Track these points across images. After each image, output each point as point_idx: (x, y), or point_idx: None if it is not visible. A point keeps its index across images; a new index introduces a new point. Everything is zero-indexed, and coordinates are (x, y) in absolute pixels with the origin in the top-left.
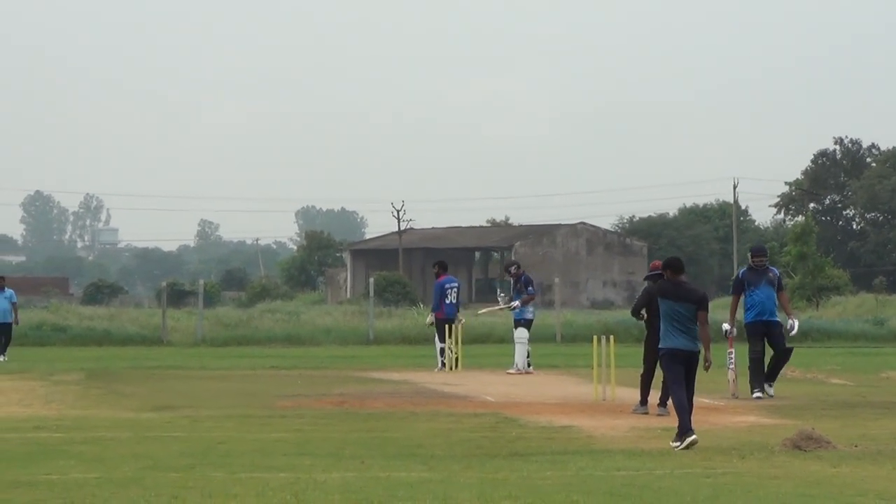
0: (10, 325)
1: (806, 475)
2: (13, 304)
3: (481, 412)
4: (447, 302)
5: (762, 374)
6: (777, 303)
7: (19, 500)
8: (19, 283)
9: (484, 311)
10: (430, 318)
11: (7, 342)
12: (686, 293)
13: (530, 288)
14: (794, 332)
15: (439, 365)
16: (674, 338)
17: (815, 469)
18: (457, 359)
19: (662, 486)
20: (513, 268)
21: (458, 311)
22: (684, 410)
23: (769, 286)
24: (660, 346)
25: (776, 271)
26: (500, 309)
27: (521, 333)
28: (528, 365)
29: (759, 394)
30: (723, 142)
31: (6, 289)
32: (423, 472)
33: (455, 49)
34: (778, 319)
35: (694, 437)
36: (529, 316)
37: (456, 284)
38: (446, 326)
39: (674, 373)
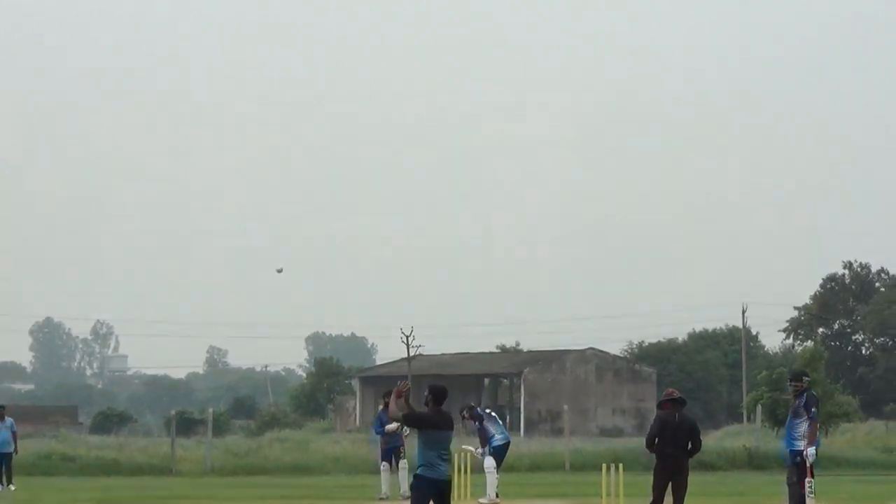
0: (10, 454)
1: None
2: (14, 432)
3: None
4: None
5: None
6: (797, 430)
7: None
8: (28, 412)
9: (464, 448)
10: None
11: (9, 471)
12: (450, 421)
13: (475, 423)
14: (808, 460)
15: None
16: (439, 467)
17: None
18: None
19: None
20: (465, 412)
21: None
22: None
23: (792, 413)
24: (420, 474)
25: (803, 399)
26: (473, 451)
27: (489, 462)
28: (497, 494)
29: None
30: (732, 266)
31: (6, 418)
32: None
33: (463, 177)
34: (794, 448)
35: None
36: (498, 443)
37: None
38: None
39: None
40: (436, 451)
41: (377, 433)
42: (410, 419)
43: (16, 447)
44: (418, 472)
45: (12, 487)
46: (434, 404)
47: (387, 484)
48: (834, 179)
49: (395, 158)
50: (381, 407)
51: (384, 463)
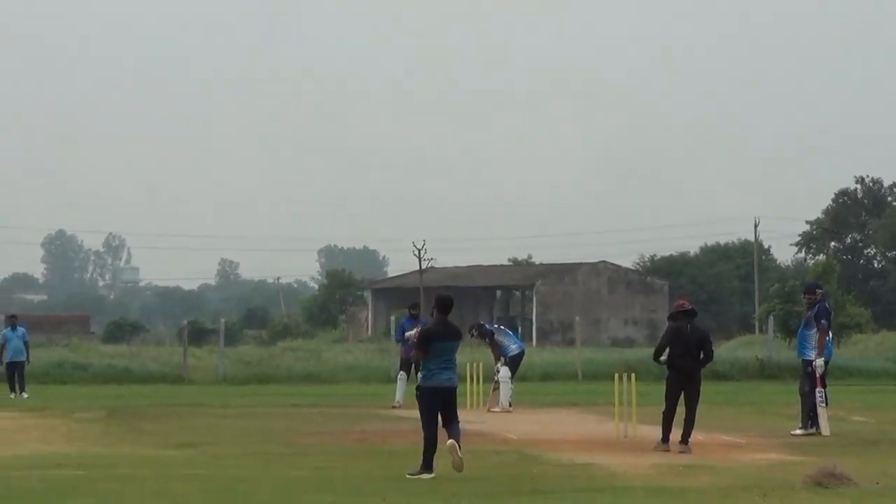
0: (23, 362)
1: None
2: (26, 342)
3: (502, 450)
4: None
5: (804, 412)
6: (810, 340)
7: None
8: (40, 322)
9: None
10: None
11: (21, 380)
12: (455, 331)
13: (486, 339)
14: (818, 371)
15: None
16: (438, 375)
17: None
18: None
19: None
20: (473, 330)
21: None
22: (432, 446)
23: (804, 323)
24: (419, 384)
25: (815, 309)
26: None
27: (504, 372)
28: (510, 403)
29: (799, 430)
30: (744, 181)
31: (18, 327)
32: None
33: (477, 89)
34: (807, 357)
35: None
36: (513, 353)
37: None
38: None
39: (433, 411)
40: (438, 361)
41: (397, 340)
42: (421, 346)
43: (28, 356)
44: (418, 383)
45: (25, 395)
46: (439, 314)
47: (401, 393)
48: (847, 94)
49: (408, 69)
50: (404, 316)
51: (402, 372)
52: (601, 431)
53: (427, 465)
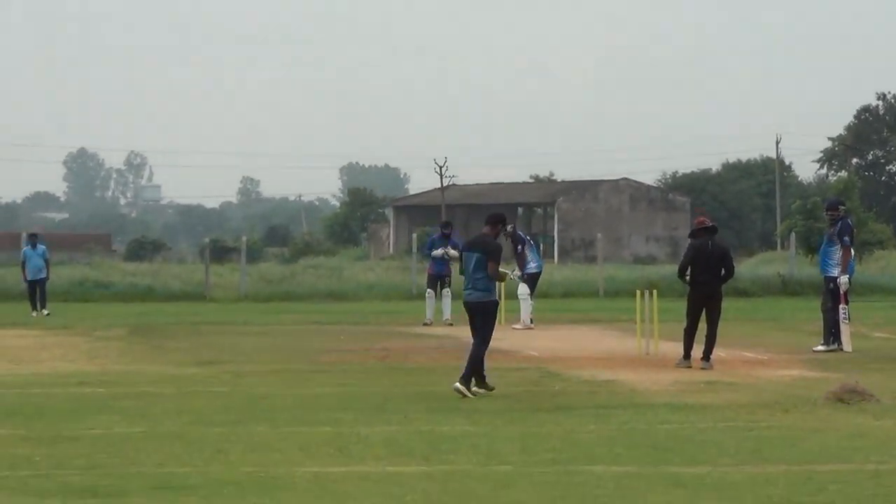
0: (44, 280)
1: (849, 428)
2: (46, 259)
3: (524, 366)
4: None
5: (826, 328)
6: (833, 257)
7: (63, 454)
8: (62, 240)
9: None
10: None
11: (43, 297)
12: (475, 242)
13: (519, 247)
14: (842, 288)
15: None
16: (465, 290)
17: (858, 422)
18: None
19: (706, 440)
20: (509, 227)
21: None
22: (477, 363)
23: (826, 240)
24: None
25: (838, 226)
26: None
27: (523, 289)
28: (531, 320)
29: (821, 347)
30: (766, 97)
31: (38, 245)
32: (466, 426)
33: (498, 5)
34: (829, 274)
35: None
36: (532, 270)
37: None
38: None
39: (470, 324)
40: (466, 275)
41: (424, 254)
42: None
43: (48, 273)
44: None
45: (45, 312)
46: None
47: (431, 310)
48: (870, 10)
49: None
50: (435, 234)
51: (429, 290)
52: (623, 348)
53: (476, 379)
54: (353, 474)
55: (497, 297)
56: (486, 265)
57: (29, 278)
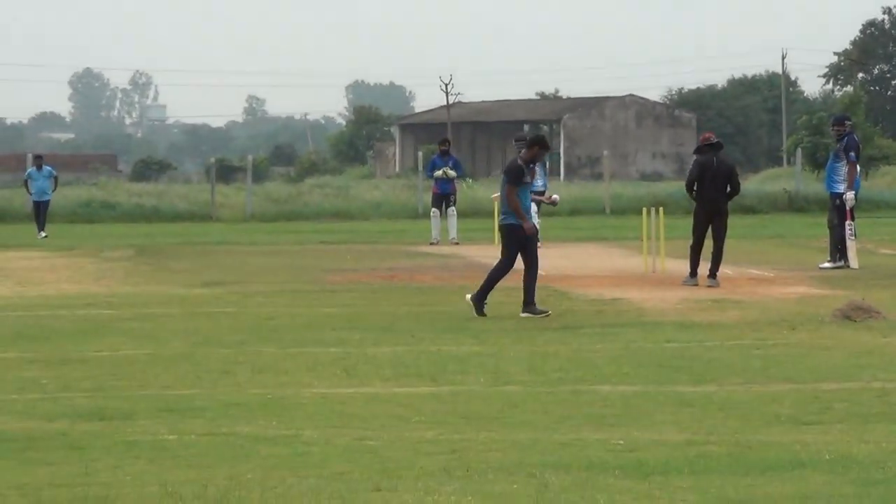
0: (47, 202)
1: (856, 345)
2: (55, 177)
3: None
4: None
5: (833, 245)
6: (839, 173)
7: (70, 376)
8: (67, 161)
9: (495, 195)
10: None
11: (42, 219)
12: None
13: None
14: (847, 204)
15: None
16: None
17: (865, 339)
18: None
19: (713, 358)
20: (519, 143)
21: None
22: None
23: (833, 156)
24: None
25: (844, 141)
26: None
27: (531, 209)
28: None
29: (827, 264)
30: (771, 12)
31: (44, 167)
32: (473, 346)
33: None
34: (835, 190)
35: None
36: (538, 188)
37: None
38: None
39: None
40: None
41: (427, 176)
42: None
43: (55, 187)
44: None
45: (43, 235)
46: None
47: (437, 230)
48: None
49: None
50: (434, 155)
51: (434, 209)
52: (629, 266)
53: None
54: (360, 395)
55: (510, 221)
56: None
57: (34, 199)
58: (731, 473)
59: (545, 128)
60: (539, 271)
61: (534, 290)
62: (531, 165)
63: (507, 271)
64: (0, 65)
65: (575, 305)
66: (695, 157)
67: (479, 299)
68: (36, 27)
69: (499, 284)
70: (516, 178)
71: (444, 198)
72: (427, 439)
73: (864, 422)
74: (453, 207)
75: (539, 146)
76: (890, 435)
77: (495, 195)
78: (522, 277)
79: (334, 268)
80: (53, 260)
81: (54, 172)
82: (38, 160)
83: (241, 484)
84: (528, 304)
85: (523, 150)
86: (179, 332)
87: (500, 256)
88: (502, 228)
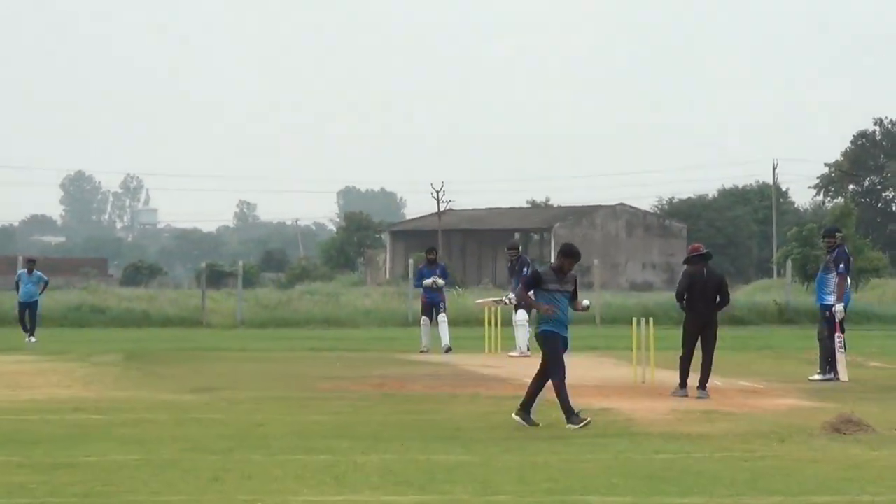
0: (35, 303)
1: (846, 459)
2: (45, 282)
3: (521, 395)
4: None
5: (822, 357)
6: (829, 286)
7: (59, 482)
8: (58, 264)
9: (480, 301)
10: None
11: (32, 322)
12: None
13: (524, 269)
14: (837, 316)
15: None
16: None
17: (854, 453)
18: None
19: (702, 470)
20: (512, 252)
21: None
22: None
23: (823, 268)
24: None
25: (834, 253)
26: (496, 301)
27: (521, 316)
28: (528, 348)
29: (817, 376)
30: (762, 123)
31: (35, 272)
32: (462, 455)
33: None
34: (825, 302)
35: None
36: None
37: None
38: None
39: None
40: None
41: (416, 287)
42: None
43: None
44: None
45: (33, 339)
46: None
47: (427, 337)
48: (867, 35)
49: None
50: (421, 264)
51: (424, 317)
52: (619, 376)
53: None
54: (348, 503)
55: (546, 328)
56: None
57: (21, 300)
58: None
59: (536, 236)
60: (528, 380)
61: (535, 398)
62: (562, 274)
63: (563, 374)
64: None
65: (564, 415)
66: (685, 267)
67: (569, 415)
68: (27, 129)
69: (491, 393)
70: (532, 279)
71: (433, 306)
72: None
73: None
74: (444, 314)
75: (564, 255)
76: None
77: (479, 301)
78: (533, 379)
79: (324, 375)
80: (43, 364)
81: (44, 279)
82: (31, 264)
83: None
84: (524, 407)
85: (556, 259)
86: (168, 438)
87: (543, 367)
88: (538, 337)
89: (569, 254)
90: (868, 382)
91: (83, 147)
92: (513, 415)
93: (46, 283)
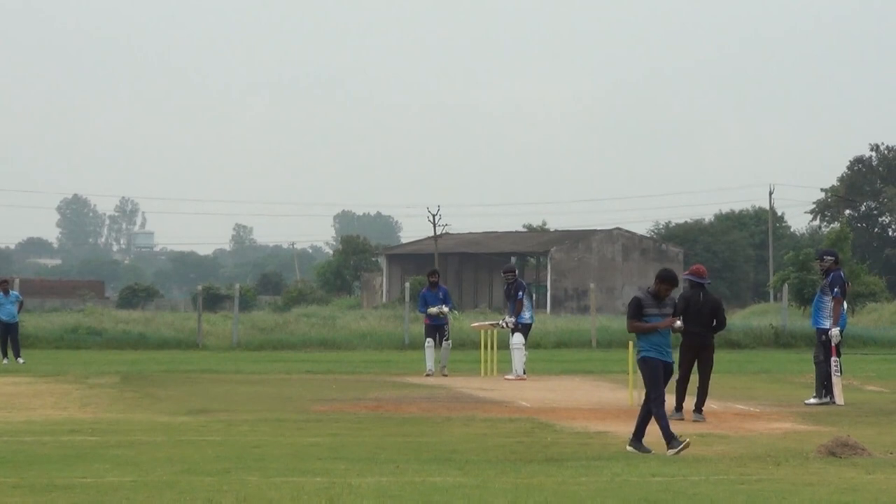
0: (16, 325)
1: (841, 482)
2: (21, 302)
3: (516, 417)
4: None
5: (819, 381)
6: (824, 309)
7: (54, 503)
8: (55, 287)
9: (476, 324)
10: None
11: (15, 344)
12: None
13: (520, 293)
14: (833, 340)
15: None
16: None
17: (850, 476)
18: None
19: (697, 493)
20: (508, 275)
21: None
22: (658, 420)
23: (819, 292)
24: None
25: (830, 276)
26: (493, 325)
27: (518, 339)
28: (524, 371)
29: (813, 400)
30: (759, 148)
31: (11, 292)
32: (458, 477)
33: (490, 54)
34: (821, 326)
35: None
36: (525, 321)
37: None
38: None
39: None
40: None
41: (420, 312)
42: None
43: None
44: None
45: (20, 361)
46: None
47: (431, 360)
48: (862, 61)
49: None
50: (423, 288)
51: (429, 339)
52: (615, 399)
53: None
54: None
55: (647, 354)
56: None
57: (3, 320)
58: None
59: (532, 260)
60: (525, 403)
61: (645, 426)
62: (659, 299)
63: (662, 400)
64: None
65: (560, 438)
66: (682, 290)
67: (669, 438)
68: (24, 152)
69: (487, 415)
70: (634, 311)
71: (437, 329)
72: None
73: None
74: (448, 342)
75: (661, 280)
76: None
77: (476, 324)
78: (641, 406)
79: (320, 397)
80: (39, 386)
81: (20, 297)
82: (4, 285)
83: None
84: (636, 436)
85: (653, 284)
86: (164, 460)
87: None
88: (639, 363)
89: (665, 279)
90: (864, 406)
91: (79, 171)
92: (627, 446)
93: (22, 301)
